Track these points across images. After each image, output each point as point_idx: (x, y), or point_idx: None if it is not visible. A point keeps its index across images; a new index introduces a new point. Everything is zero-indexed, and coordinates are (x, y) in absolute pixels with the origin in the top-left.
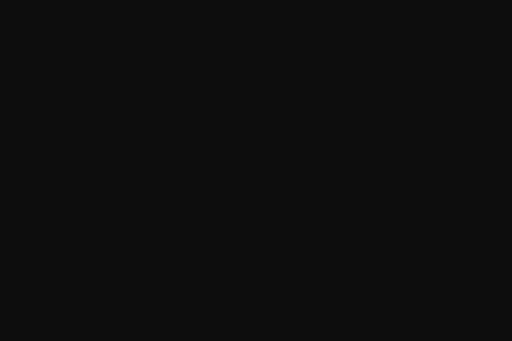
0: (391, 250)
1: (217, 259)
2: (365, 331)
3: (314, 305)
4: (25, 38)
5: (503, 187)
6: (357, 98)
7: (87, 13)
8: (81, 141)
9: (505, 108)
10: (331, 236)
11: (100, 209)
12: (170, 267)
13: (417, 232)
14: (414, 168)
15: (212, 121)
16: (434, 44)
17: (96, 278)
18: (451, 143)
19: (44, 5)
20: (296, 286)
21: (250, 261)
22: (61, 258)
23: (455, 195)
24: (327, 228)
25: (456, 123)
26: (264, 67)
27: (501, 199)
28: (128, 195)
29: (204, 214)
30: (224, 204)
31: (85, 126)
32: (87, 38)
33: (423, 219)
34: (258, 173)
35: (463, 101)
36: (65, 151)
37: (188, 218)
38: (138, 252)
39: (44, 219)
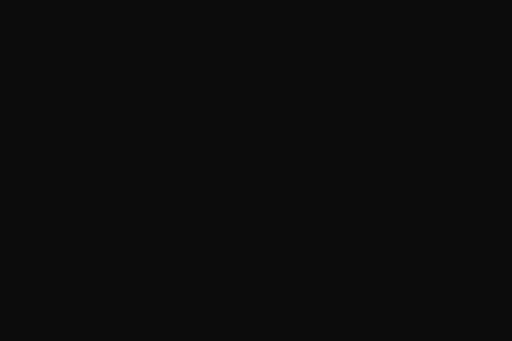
0: (391, 250)
1: (218, 259)
2: (365, 331)
3: (314, 305)
4: (25, 38)
5: (503, 187)
6: (357, 98)
7: (87, 13)
8: (81, 140)
9: (505, 108)
10: (331, 236)
11: (100, 208)
12: (170, 267)
13: (417, 232)
14: (414, 167)
15: (212, 121)
16: (434, 44)
17: (96, 278)
18: (451, 143)
19: (44, 5)
20: (296, 286)
21: (250, 261)
22: (61, 258)
23: (455, 194)
24: (327, 228)
25: (456, 123)
26: (264, 67)
27: (501, 199)
28: (128, 194)
29: (204, 214)
30: (224, 204)
31: (85, 126)
32: (86, 38)
33: (423, 218)
34: (258, 173)
35: (463, 101)
36: (64, 151)
37: (188, 218)
38: (138, 252)
39: (44, 219)
